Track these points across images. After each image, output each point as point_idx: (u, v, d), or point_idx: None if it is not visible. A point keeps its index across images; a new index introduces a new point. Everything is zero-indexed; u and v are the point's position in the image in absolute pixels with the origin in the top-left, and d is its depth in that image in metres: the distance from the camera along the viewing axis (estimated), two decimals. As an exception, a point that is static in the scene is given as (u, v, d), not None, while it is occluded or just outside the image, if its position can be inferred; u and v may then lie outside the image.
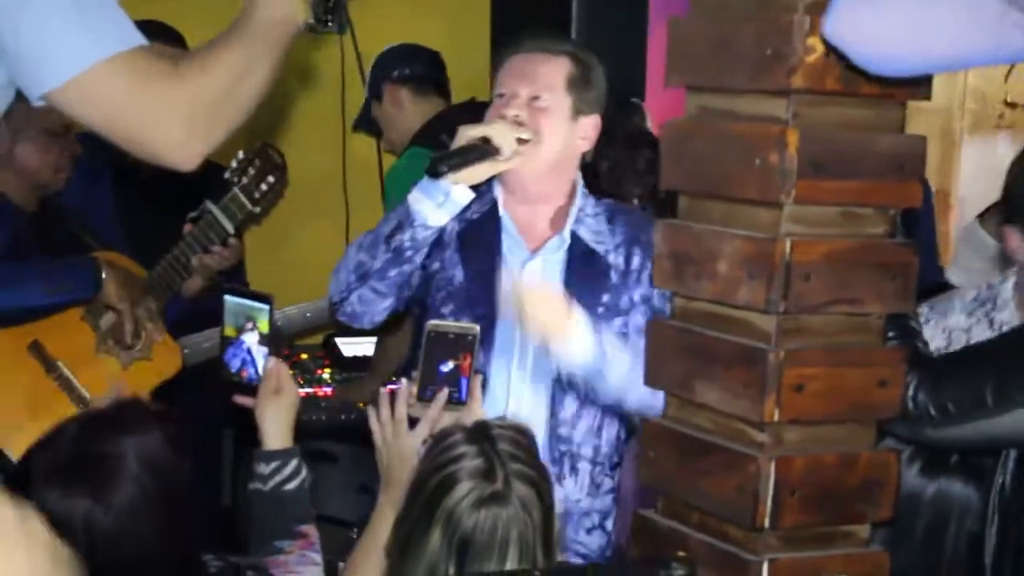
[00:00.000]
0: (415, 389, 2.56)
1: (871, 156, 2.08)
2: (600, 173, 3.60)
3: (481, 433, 2.14)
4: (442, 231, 2.95)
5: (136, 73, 1.89)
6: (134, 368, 3.65)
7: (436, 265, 2.98)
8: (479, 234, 2.98)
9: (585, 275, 2.93)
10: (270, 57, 2.07)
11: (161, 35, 3.94)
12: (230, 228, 3.76)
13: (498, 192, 3.00)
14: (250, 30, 2.07)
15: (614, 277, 2.92)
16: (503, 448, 2.11)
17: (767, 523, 2.05)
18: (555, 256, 2.97)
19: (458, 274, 2.96)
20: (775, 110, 2.05)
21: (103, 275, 3.60)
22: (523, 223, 2.98)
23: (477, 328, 2.58)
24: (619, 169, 3.68)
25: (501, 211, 2.99)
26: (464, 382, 2.53)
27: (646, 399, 2.55)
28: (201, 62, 1.99)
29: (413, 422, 2.57)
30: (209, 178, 3.70)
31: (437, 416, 2.53)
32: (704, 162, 2.15)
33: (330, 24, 5.28)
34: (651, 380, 2.27)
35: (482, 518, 2.05)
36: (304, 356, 4.69)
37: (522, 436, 2.17)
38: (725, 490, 2.10)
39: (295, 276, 4.81)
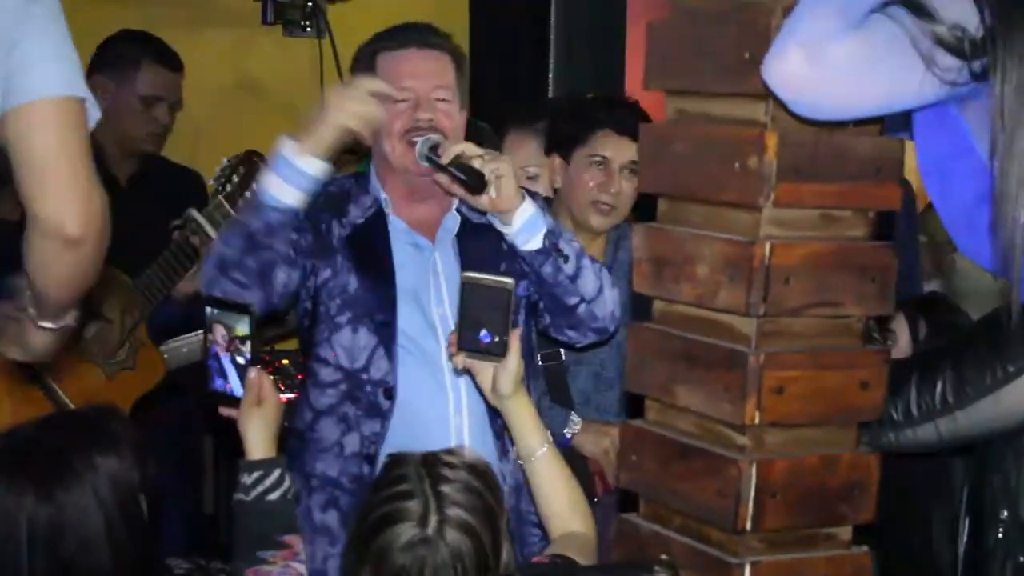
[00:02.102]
0: (455, 337, 2.55)
1: (849, 159, 2.08)
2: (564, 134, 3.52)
3: (430, 470, 2.11)
4: (329, 237, 2.90)
5: (79, 124, 2.08)
6: (118, 378, 3.64)
7: (327, 273, 2.90)
8: (368, 240, 2.93)
9: (481, 249, 2.90)
10: None
11: (144, 44, 3.96)
12: (215, 236, 3.75)
13: (382, 195, 2.95)
14: None
15: (505, 245, 2.88)
16: (445, 490, 2.07)
17: (749, 526, 2.05)
18: (449, 240, 2.94)
19: (352, 281, 2.89)
20: (754, 113, 2.06)
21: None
22: (416, 221, 2.94)
23: (512, 281, 2.55)
24: (576, 116, 3.54)
25: (391, 215, 2.94)
26: (503, 334, 2.52)
27: (599, 291, 2.84)
28: None
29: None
30: (189, 186, 3.71)
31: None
32: (683, 165, 2.15)
33: (308, 29, 5.25)
34: (632, 384, 2.27)
35: (410, 561, 2.03)
36: (285, 361, 4.67)
37: (475, 477, 2.12)
38: (707, 493, 2.10)
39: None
